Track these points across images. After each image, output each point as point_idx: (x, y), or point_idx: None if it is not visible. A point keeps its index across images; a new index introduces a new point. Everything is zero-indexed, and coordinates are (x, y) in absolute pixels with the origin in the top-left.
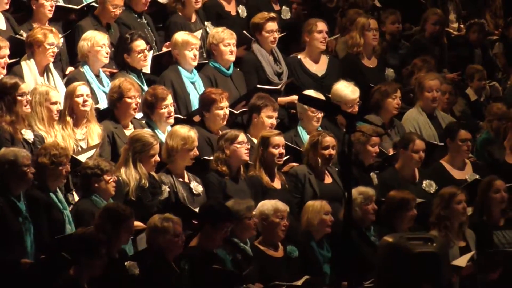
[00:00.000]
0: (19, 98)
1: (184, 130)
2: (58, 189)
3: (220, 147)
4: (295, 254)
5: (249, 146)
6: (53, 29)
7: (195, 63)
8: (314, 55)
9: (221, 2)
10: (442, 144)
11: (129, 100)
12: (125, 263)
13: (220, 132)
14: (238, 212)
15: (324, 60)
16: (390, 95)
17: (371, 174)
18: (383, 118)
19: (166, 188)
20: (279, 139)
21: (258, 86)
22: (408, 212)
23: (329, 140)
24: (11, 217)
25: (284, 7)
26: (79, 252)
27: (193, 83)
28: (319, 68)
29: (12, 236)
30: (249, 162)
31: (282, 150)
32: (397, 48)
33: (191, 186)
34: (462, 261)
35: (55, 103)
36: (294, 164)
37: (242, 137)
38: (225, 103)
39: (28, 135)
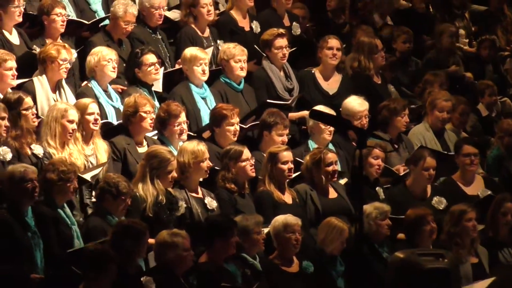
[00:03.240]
0: (24, 112)
1: (192, 144)
2: (65, 205)
3: (225, 166)
4: (310, 270)
5: (253, 162)
6: (66, 45)
7: (205, 78)
8: (327, 71)
9: (235, 18)
10: (452, 153)
11: (143, 115)
12: (141, 279)
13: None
14: (246, 227)
15: (337, 78)
16: (399, 113)
17: (377, 188)
18: (391, 134)
19: (183, 204)
20: (287, 155)
21: (268, 101)
22: (426, 226)
23: (331, 156)
24: (20, 232)
25: (294, 23)
26: (88, 267)
27: (204, 98)
28: (331, 85)
29: (21, 251)
30: (258, 177)
31: (291, 165)
32: (407, 66)
33: (206, 201)
34: (481, 286)
35: (71, 121)
36: None
37: (246, 153)
38: (236, 119)
39: (37, 149)
